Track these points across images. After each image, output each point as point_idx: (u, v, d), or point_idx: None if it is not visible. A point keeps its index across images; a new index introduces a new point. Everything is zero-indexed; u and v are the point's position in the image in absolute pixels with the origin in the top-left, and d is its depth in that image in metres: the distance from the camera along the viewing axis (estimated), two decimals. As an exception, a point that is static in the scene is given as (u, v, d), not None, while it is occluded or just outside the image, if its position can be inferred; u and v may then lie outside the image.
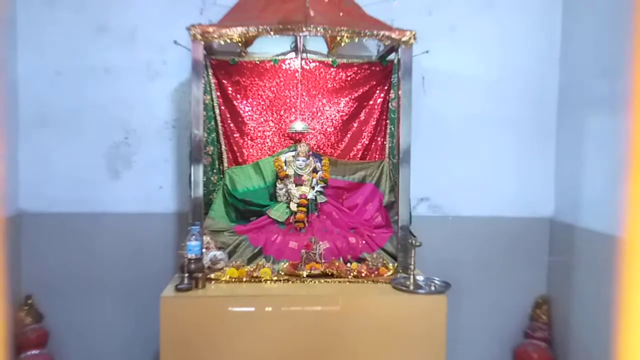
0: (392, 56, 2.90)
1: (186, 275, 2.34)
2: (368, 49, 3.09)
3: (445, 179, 3.22)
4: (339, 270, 2.54)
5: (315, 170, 2.89)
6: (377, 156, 3.04)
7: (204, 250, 2.45)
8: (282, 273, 2.55)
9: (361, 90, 2.99)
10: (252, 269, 2.52)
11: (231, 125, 2.95)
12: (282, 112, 2.97)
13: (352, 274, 2.55)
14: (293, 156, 2.88)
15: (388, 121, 2.97)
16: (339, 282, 2.52)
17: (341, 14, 2.52)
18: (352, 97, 2.99)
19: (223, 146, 2.94)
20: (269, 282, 2.49)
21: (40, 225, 3.01)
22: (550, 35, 3.22)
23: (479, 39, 3.19)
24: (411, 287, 2.42)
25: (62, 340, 3.05)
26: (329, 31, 2.47)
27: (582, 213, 2.94)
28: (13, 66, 2.94)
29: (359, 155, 3.04)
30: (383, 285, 2.50)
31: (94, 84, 3.02)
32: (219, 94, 2.91)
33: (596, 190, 2.80)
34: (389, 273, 2.58)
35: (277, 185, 2.87)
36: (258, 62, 2.93)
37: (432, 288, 2.48)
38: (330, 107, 3.00)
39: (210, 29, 2.45)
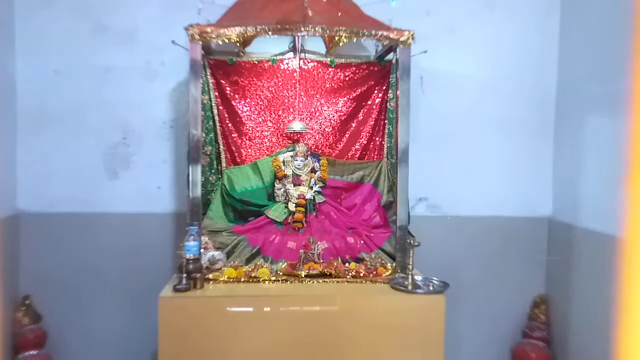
0: (390, 56, 2.90)
1: (184, 275, 2.34)
2: (366, 49, 3.09)
3: (443, 178, 3.22)
4: (337, 270, 2.54)
5: (313, 170, 2.89)
6: (375, 156, 3.04)
7: (202, 250, 2.45)
8: (281, 273, 2.54)
9: (359, 90, 2.99)
10: (250, 269, 2.52)
11: (229, 125, 2.95)
12: (280, 112, 2.97)
13: (350, 274, 2.55)
14: (291, 156, 2.88)
15: (386, 121, 2.97)
16: (338, 282, 2.52)
17: (339, 14, 2.52)
18: (351, 97, 2.99)
19: (221, 146, 2.93)
20: (267, 282, 2.48)
21: (39, 225, 3.01)
22: (548, 36, 3.22)
23: (477, 39, 3.19)
24: (409, 287, 2.42)
25: (61, 341, 3.04)
26: (327, 31, 2.47)
27: (580, 213, 2.94)
28: (11, 66, 2.94)
29: (357, 155, 3.04)
30: (381, 285, 2.49)
31: (92, 84, 3.01)
32: (217, 94, 2.91)
33: (594, 190, 2.81)
34: (388, 273, 2.58)
35: (276, 185, 2.87)
36: (256, 62, 2.93)
37: (431, 288, 2.48)
38: (328, 107, 3.00)
39: (208, 29, 2.45)
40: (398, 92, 2.64)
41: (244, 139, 2.97)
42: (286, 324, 2.32)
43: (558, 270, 3.15)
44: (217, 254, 2.53)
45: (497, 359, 3.30)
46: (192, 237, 2.35)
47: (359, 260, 2.68)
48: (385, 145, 3.00)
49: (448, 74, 3.17)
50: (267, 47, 2.92)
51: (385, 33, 2.51)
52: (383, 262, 2.64)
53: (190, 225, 2.40)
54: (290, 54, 2.95)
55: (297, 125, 2.86)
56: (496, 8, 3.19)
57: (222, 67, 2.89)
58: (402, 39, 2.54)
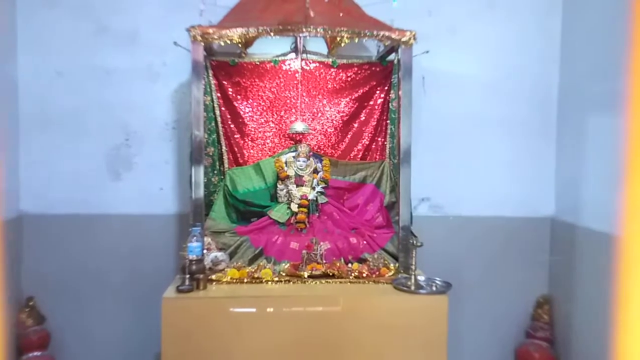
0: (392, 56, 2.90)
1: (187, 276, 2.34)
2: (368, 50, 3.09)
3: (445, 179, 3.22)
4: (340, 270, 2.54)
5: (315, 171, 2.89)
6: (377, 156, 3.04)
7: (205, 251, 2.45)
8: (283, 274, 2.54)
9: (361, 91, 2.99)
10: (253, 270, 2.52)
11: (231, 126, 2.95)
12: (282, 113, 2.97)
13: (353, 274, 2.55)
14: (294, 157, 2.88)
15: (388, 121, 2.97)
16: (340, 282, 2.52)
17: (341, 15, 2.52)
18: (353, 97, 2.99)
19: (223, 147, 2.94)
20: (270, 283, 2.49)
21: (41, 226, 3.01)
22: (550, 36, 3.22)
23: (479, 40, 3.19)
24: (412, 288, 2.42)
25: (64, 342, 3.05)
26: (329, 32, 2.48)
27: (583, 212, 2.93)
28: (13, 67, 2.94)
29: (359, 156, 3.04)
30: (384, 286, 2.49)
31: (94, 86, 3.02)
32: (219, 95, 2.91)
33: (597, 190, 2.80)
34: (390, 273, 2.58)
35: (278, 186, 2.87)
36: (258, 63, 2.93)
37: (434, 288, 2.48)
38: (330, 108, 3.00)
39: (210, 30, 2.45)
40: (400, 93, 2.64)
41: (247, 140, 2.97)
42: (289, 325, 2.32)
43: (561, 270, 3.15)
44: (220, 254, 2.53)
45: (500, 359, 3.30)
46: (194, 238, 2.35)
47: (361, 260, 2.67)
48: (388, 146, 3.00)
49: (450, 74, 3.17)
50: (269, 48, 2.92)
51: (387, 33, 2.51)
52: (386, 262, 2.64)
53: (193, 226, 2.40)
54: (292, 55, 2.96)
55: (299, 126, 2.86)
56: (498, 8, 3.19)
57: (224, 68, 2.90)
58: (403, 39, 2.54)
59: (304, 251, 2.57)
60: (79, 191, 3.03)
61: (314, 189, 2.86)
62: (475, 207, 3.24)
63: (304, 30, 2.41)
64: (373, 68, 2.98)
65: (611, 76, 2.62)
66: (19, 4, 2.94)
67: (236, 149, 2.96)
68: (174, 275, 2.71)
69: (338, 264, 2.57)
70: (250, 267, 2.55)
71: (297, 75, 2.95)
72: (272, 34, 2.44)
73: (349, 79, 2.99)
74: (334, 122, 3.01)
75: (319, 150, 3.01)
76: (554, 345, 3.15)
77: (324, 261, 2.57)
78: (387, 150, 3.00)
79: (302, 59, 2.95)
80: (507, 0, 3.19)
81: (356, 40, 2.70)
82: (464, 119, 3.20)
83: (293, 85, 2.96)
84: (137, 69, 3.04)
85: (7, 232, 2.81)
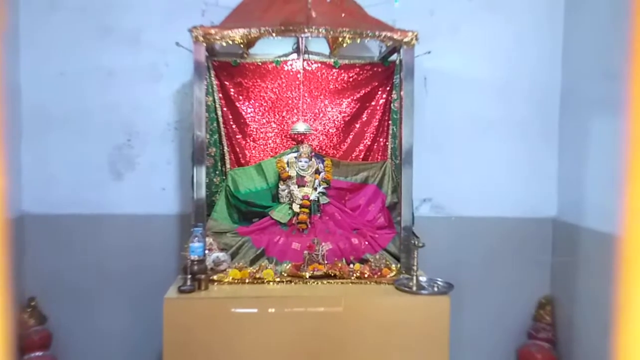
0: (394, 57, 2.90)
1: (189, 276, 2.35)
2: (370, 50, 3.09)
3: (447, 179, 3.21)
4: (341, 271, 2.54)
5: (317, 172, 2.89)
6: (379, 157, 3.04)
7: (206, 251, 2.45)
8: (285, 274, 2.54)
9: (363, 91, 2.99)
10: (254, 270, 2.52)
11: (233, 126, 2.95)
12: (284, 114, 2.97)
13: (354, 275, 2.55)
14: (295, 157, 2.88)
15: (390, 122, 2.97)
16: (342, 283, 2.52)
17: (343, 15, 2.52)
18: (354, 98, 2.99)
19: (225, 147, 2.94)
20: (271, 283, 2.49)
21: (44, 227, 3.02)
22: (552, 37, 3.21)
23: (481, 40, 3.19)
24: (414, 288, 2.42)
25: (66, 342, 3.05)
26: (331, 32, 2.48)
27: (585, 213, 2.93)
28: (16, 68, 2.95)
29: (361, 156, 3.04)
30: (386, 286, 2.49)
31: (97, 86, 3.02)
32: (221, 95, 2.91)
33: (599, 190, 2.80)
34: (392, 274, 2.58)
35: (280, 186, 2.87)
36: (260, 64, 2.93)
37: (435, 289, 2.48)
38: (332, 108, 3.00)
39: (212, 31, 2.45)
40: (402, 93, 2.64)
41: (248, 140, 2.97)
42: (290, 325, 2.32)
43: (563, 271, 3.14)
44: (222, 255, 2.53)
45: (502, 360, 3.30)
46: (196, 238, 2.35)
47: (363, 261, 2.67)
48: (389, 146, 2.99)
49: (452, 74, 3.17)
50: (270, 49, 2.92)
51: (388, 34, 2.51)
52: (387, 263, 2.64)
53: (194, 227, 2.40)
54: (294, 55, 2.95)
55: (301, 127, 2.86)
56: (500, 8, 3.18)
57: (226, 69, 2.90)
58: (405, 39, 2.54)
59: (305, 252, 2.57)
60: (81, 191, 3.04)
61: (315, 189, 2.86)
62: (477, 207, 3.23)
63: (306, 30, 2.41)
64: (375, 68, 2.98)
65: (613, 77, 2.62)
66: (22, 5, 2.95)
67: (238, 150, 2.96)
68: (175, 275, 2.71)
69: (340, 265, 2.57)
70: (251, 268, 2.55)
71: (299, 75, 2.95)
72: (274, 34, 2.44)
73: (351, 79, 2.98)
74: (336, 122, 3.01)
75: (320, 150, 3.01)
76: (555, 346, 3.15)
77: (326, 262, 2.57)
78: (389, 151, 3.00)
79: (304, 60, 2.94)
80: (510, 1, 3.19)
81: (358, 40, 2.70)
82: (466, 120, 3.20)
83: (295, 85, 2.96)
84: (139, 70, 3.05)
85: (9, 232, 2.80)
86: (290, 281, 2.51)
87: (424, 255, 2.58)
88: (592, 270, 2.84)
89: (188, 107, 2.99)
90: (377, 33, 2.51)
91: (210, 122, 2.84)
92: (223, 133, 2.92)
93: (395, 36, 2.52)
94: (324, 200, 2.88)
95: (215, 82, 2.88)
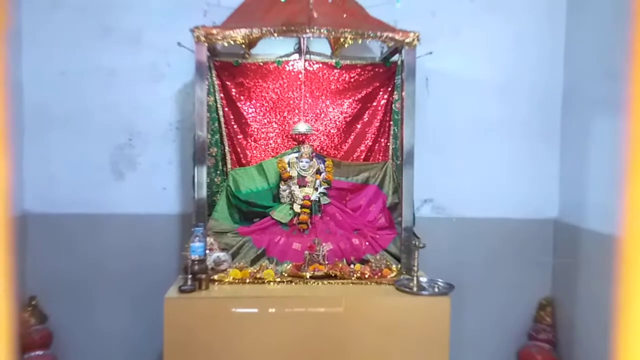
0: (395, 57, 2.90)
1: (190, 276, 2.35)
2: (372, 51, 3.09)
3: (449, 180, 3.21)
4: (342, 271, 2.54)
5: (318, 172, 2.89)
6: (380, 157, 3.04)
7: (207, 251, 2.45)
8: (286, 274, 2.54)
9: (365, 92, 2.98)
10: (255, 270, 2.53)
11: (235, 126, 2.95)
12: (285, 114, 2.97)
13: (355, 275, 2.55)
14: (296, 157, 2.88)
15: (392, 122, 2.97)
16: (342, 283, 2.52)
17: (345, 16, 2.53)
18: (356, 98, 2.99)
19: (227, 147, 2.94)
20: (272, 283, 2.49)
21: (45, 226, 3.02)
22: (553, 37, 3.21)
23: (482, 41, 3.19)
24: (414, 289, 2.42)
25: (66, 341, 3.06)
26: (333, 33, 2.48)
27: (586, 214, 2.93)
28: (18, 67, 2.95)
29: (362, 157, 3.04)
30: (386, 287, 2.49)
31: (98, 86, 3.03)
32: (222, 95, 2.91)
33: (601, 192, 2.79)
34: (393, 274, 2.58)
35: (281, 186, 2.87)
36: (261, 64, 2.93)
37: (436, 290, 2.48)
38: (333, 109, 3.00)
39: (214, 31, 2.46)
40: (403, 94, 2.64)
41: (250, 141, 2.98)
42: (291, 325, 2.32)
43: (564, 272, 3.14)
44: (223, 255, 2.53)
45: (502, 361, 3.29)
46: (197, 238, 2.35)
47: (364, 261, 2.67)
48: (391, 147, 2.99)
49: (454, 75, 3.17)
50: (272, 49, 2.92)
51: (390, 34, 2.51)
52: (388, 263, 2.64)
53: (195, 227, 2.41)
54: (296, 56, 2.95)
55: (302, 127, 2.86)
56: (502, 9, 3.18)
57: (227, 69, 2.90)
58: (407, 40, 2.54)
59: (306, 252, 2.57)
60: (82, 191, 3.04)
61: (316, 189, 2.86)
62: (478, 208, 3.23)
63: (308, 31, 2.41)
64: (376, 69, 2.97)
65: (615, 77, 2.62)
66: (24, 4, 2.95)
67: (239, 150, 2.96)
68: (176, 275, 2.71)
69: (340, 265, 2.57)
70: (252, 268, 2.55)
71: (300, 76, 2.95)
72: (275, 34, 2.45)
73: (352, 79, 2.98)
74: (337, 123, 3.01)
75: (321, 151, 3.01)
76: (556, 347, 3.15)
77: (326, 262, 2.57)
78: (390, 152, 3.00)
79: (305, 60, 2.95)
80: (512, 1, 3.19)
81: (360, 41, 2.69)
82: (468, 120, 3.20)
83: (296, 86, 2.96)
84: (141, 70, 3.05)
85: (11, 231, 2.81)
86: (291, 281, 2.51)
87: (425, 256, 2.58)
88: (593, 271, 2.83)
89: (189, 107, 2.99)
90: (378, 34, 2.51)
91: (212, 122, 2.84)
92: (224, 133, 2.92)
93: (397, 37, 2.52)
94: (324, 200, 2.88)
95: (216, 82, 2.88)
